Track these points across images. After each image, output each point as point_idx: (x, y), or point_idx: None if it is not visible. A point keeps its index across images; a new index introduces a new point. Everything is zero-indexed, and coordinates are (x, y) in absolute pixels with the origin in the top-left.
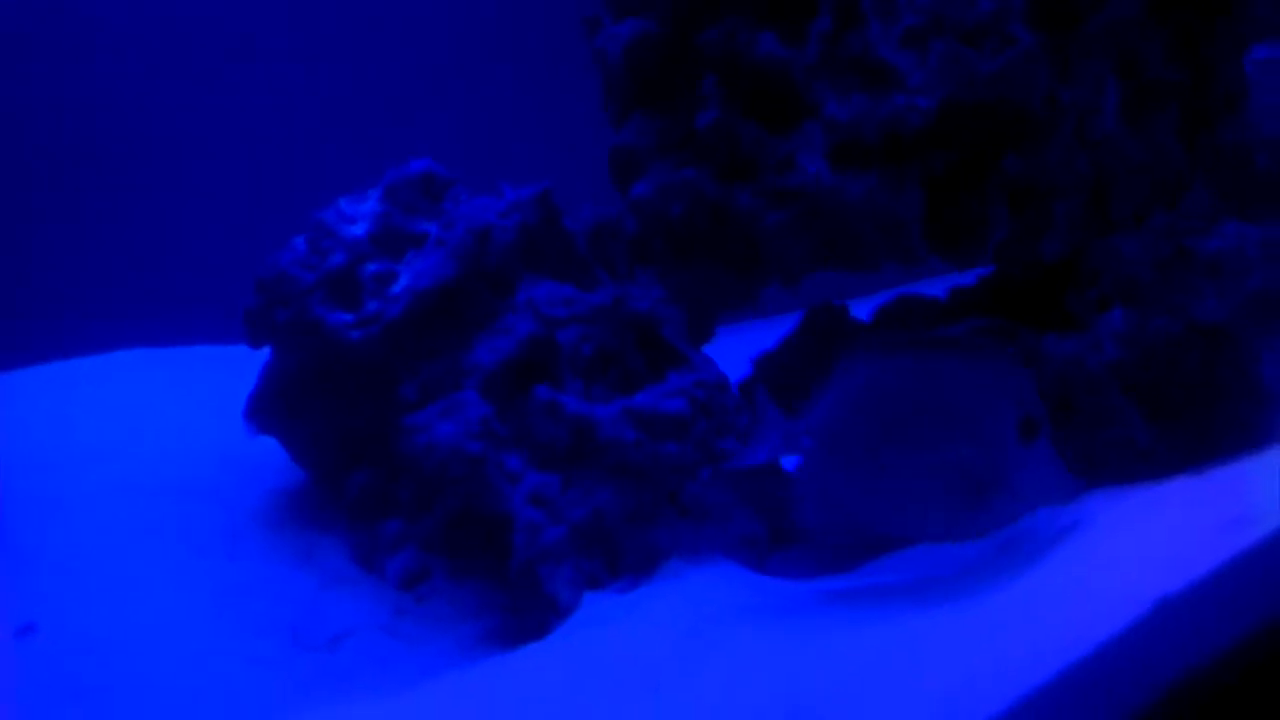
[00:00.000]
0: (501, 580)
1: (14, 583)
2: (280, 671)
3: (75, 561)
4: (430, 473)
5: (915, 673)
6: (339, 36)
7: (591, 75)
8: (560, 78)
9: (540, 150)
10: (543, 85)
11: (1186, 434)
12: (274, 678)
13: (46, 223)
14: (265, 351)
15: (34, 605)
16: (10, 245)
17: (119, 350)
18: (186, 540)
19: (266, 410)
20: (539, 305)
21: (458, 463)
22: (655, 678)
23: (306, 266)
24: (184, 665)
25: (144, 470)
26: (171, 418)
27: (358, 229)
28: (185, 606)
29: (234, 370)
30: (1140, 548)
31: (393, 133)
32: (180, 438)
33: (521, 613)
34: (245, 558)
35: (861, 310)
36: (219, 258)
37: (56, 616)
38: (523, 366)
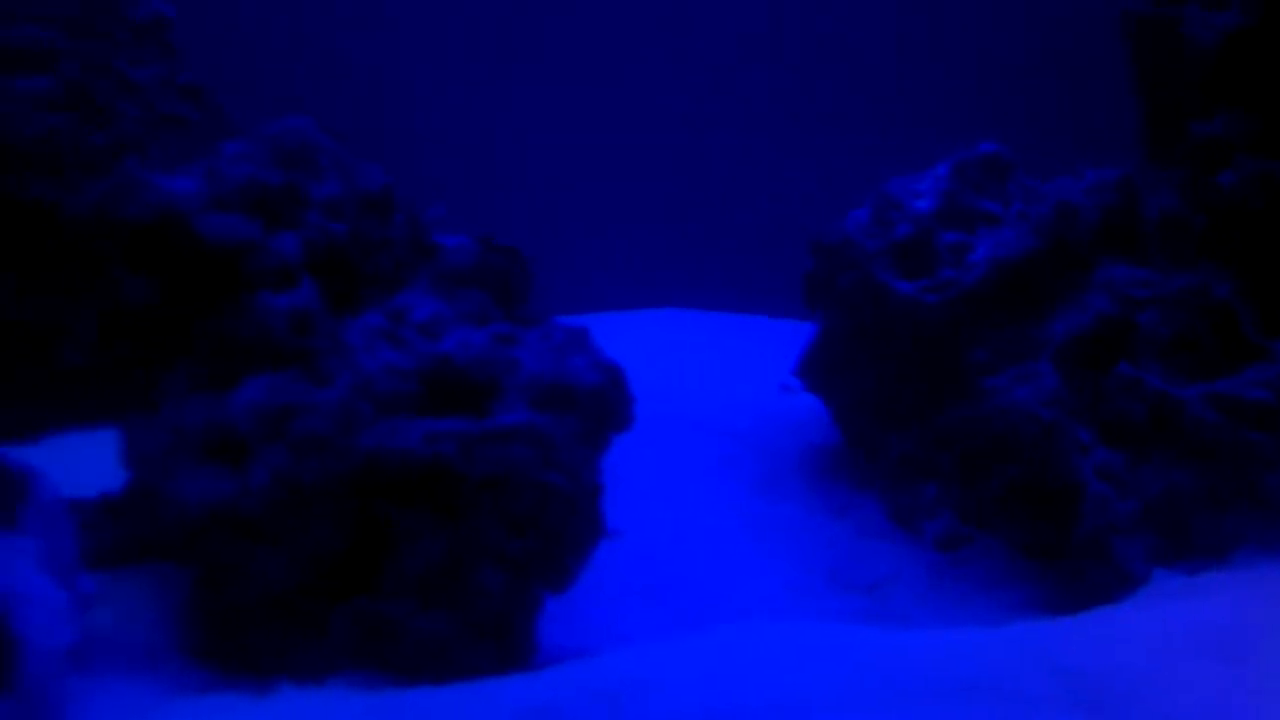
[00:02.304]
0: (1051, 553)
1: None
2: (822, 604)
3: (647, 482)
4: (1000, 434)
5: None
6: (886, 31)
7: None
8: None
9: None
10: (1069, 82)
11: None
12: (816, 608)
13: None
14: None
15: (620, 514)
16: (582, 216)
17: (660, 308)
18: (735, 478)
19: (815, 369)
20: (1118, 285)
21: (1030, 426)
22: (1252, 655)
23: (871, 235)
24: (735, 582)
25: (692, 412)
26: (711, 370)
27: (923, 203)
28: (736, 534)
29: (756, 337)
30: None
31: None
32: (720, 389)
33: (1082, 580)
34: (786, 501)
35: None
36: (742, 238)
37: (637, 526)
38: (1098, 343)
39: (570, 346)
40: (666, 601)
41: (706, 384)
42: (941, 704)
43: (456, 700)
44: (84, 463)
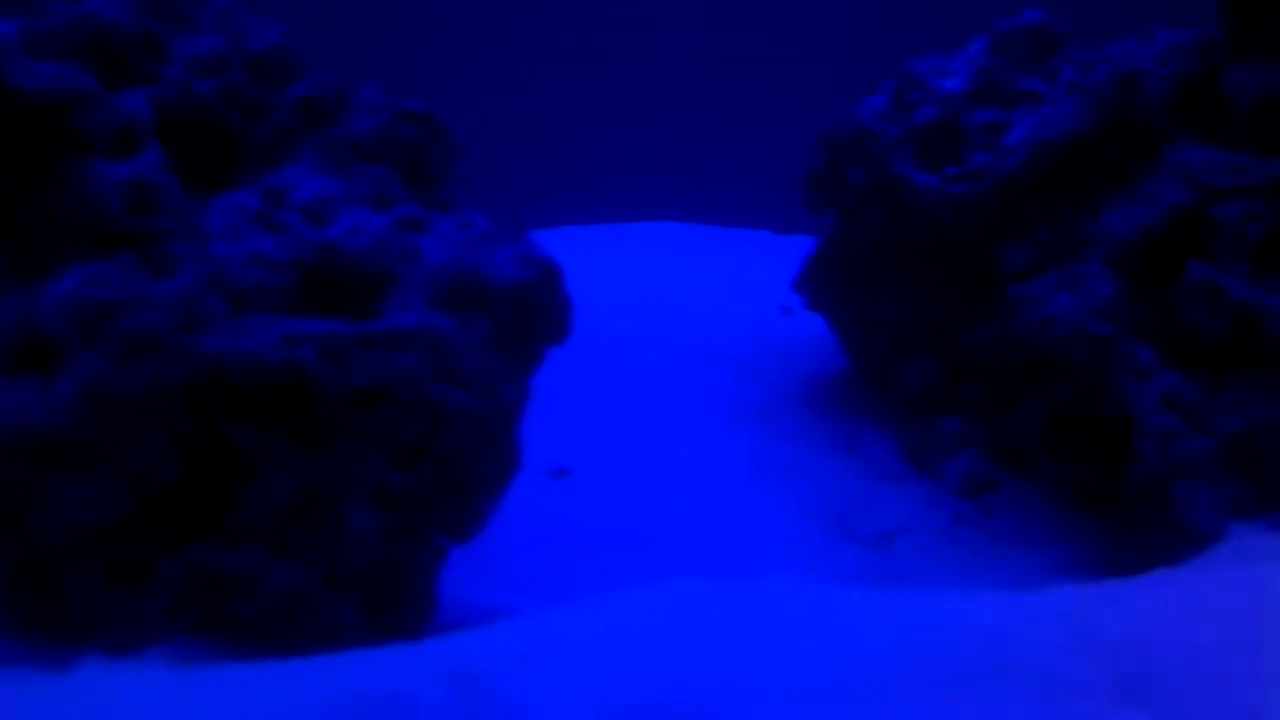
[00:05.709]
0: (1099, 501)
1: (552, 427)
2: (827, 559)
3: (611, 413)
4: (1038, 353)
5: None
6: None
7: None
8: None
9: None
10: None
11: None
12: (820, 564)
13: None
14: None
15: (570, 450)
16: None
17: (656, 220)
18: (721, 410)
19: (817, 284)
20: (1193, 171)
21: (1078, 343)
22: None
23: (889, 121)
24: (716, 533)
25: (677, 334)
26: (703, 289)
27: (953, 82)
28: (720, 475)
29: (759, 254)
30: None
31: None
32: (712, 309)
33: (1137, 536)
34: (784, 438)
35: None
36: (745, 145)
37: (591, 463)
38: (1165, 242)
39: (494, 237)
40: (623, 555)
41: (697, 304)
42: (935, 697)
43: (270, 682)
44: None
